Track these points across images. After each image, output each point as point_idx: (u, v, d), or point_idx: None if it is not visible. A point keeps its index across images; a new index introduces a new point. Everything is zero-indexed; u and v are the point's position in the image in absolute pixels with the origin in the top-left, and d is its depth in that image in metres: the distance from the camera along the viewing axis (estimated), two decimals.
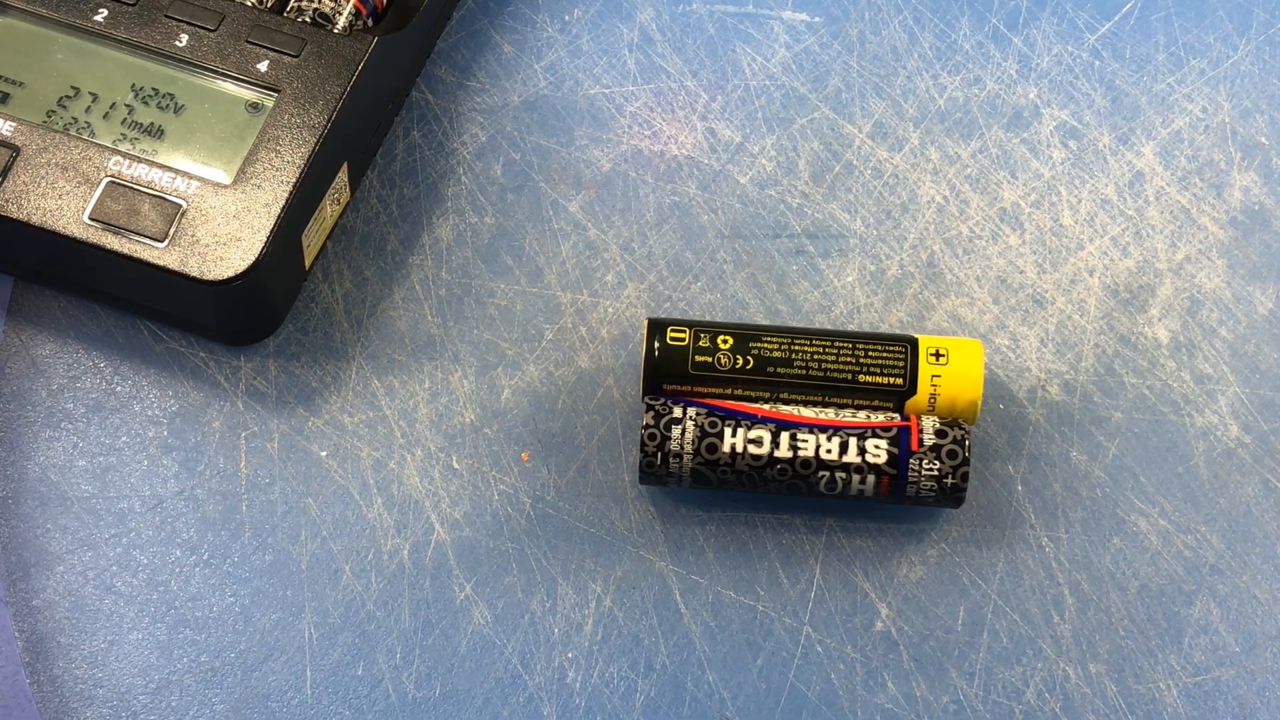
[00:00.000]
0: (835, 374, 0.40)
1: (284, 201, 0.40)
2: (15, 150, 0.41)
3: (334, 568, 0.41)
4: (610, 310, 0.44)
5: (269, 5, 0.44)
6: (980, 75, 0.48)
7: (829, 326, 0.44)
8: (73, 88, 0.42)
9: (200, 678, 0.40)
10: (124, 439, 0.42)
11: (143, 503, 0.41)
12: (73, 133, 0.41)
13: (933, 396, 0.40)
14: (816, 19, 0.49)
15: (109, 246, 0.40)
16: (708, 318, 0.44)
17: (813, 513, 0.41)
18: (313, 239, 0.43)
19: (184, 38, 0.42)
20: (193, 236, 0.40)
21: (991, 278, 0.45)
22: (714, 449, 0.39)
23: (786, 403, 0.41)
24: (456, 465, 0.42)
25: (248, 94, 0.42)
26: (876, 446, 0.39)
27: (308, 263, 0.43)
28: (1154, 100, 0.48)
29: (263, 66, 0.42)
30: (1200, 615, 0.41)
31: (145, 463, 0.42)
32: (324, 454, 0.42)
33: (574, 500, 0.42)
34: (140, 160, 0.41)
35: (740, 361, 0.40)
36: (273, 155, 0.41)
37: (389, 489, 0.42)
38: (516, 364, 0.43)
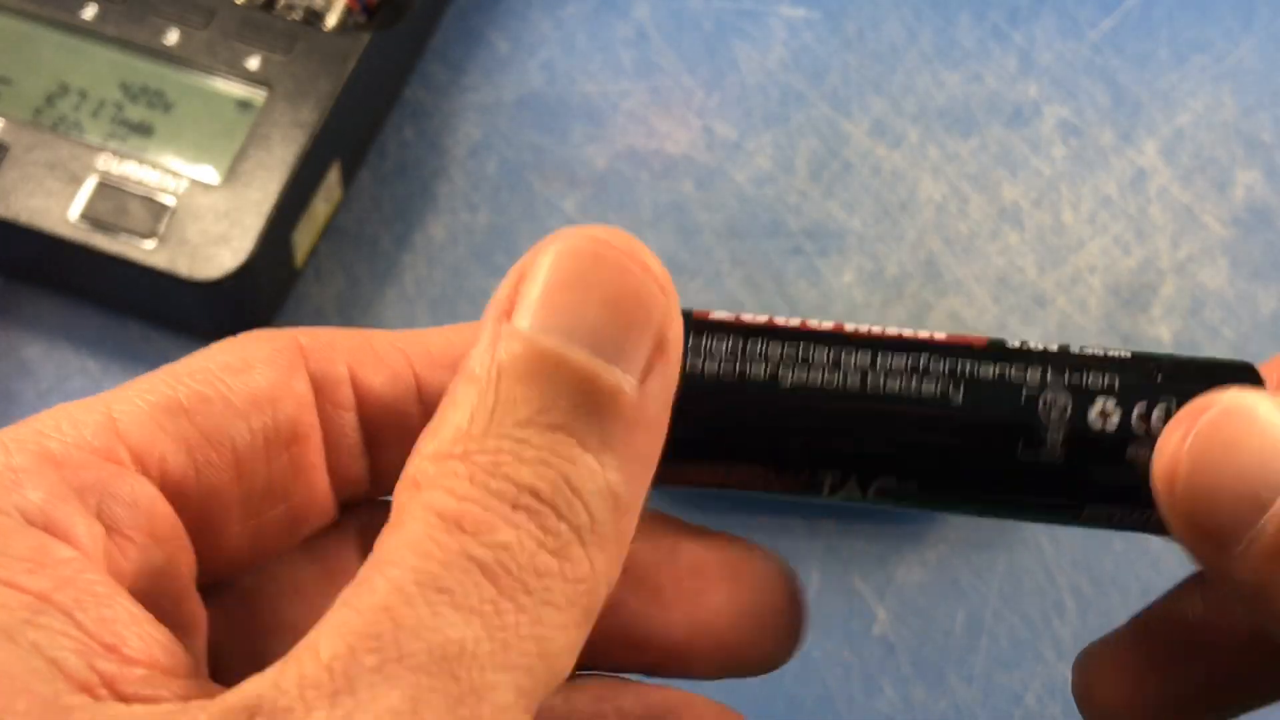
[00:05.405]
0: None
1: (275, 200, 0.40)
2: (3, 148, 0.40)
3: None
4: None
5: (260, 2, 0.43)
6: (980, 72, 0.47)
7: None
8: (61, 85, 0.41)
9: None
10: None
11: None
12: (61, 130, 0.41)
13: None
14: (815, 15, 0.48)
15: (97, 246, 0.39)
16: None
17: (811, 515, 0.41)
18: (304, 238, 0.42)
19: (173, 34, 0.42)
20: (182, 235, 0.39)
21: (991, 277, 0.44)
22: None
23: None
24: None
25: (238, 91, 0.42)
26: None
27: (299, 262, 0.43)
28: (1156, 97, 0.47)
29: (253, 64, 0.42)
30: None
31: None
32: None
33: None
34: (129, 158, 0.40)
35: None
36: (263, 153, 0.40)
37: None
38: None
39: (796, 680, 0.39)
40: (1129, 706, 0.24)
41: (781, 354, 0.21)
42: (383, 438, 0.22)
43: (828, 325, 0.22)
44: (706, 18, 0.48)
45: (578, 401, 0.18)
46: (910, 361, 0.22)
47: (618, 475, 0.19)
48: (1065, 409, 0.22)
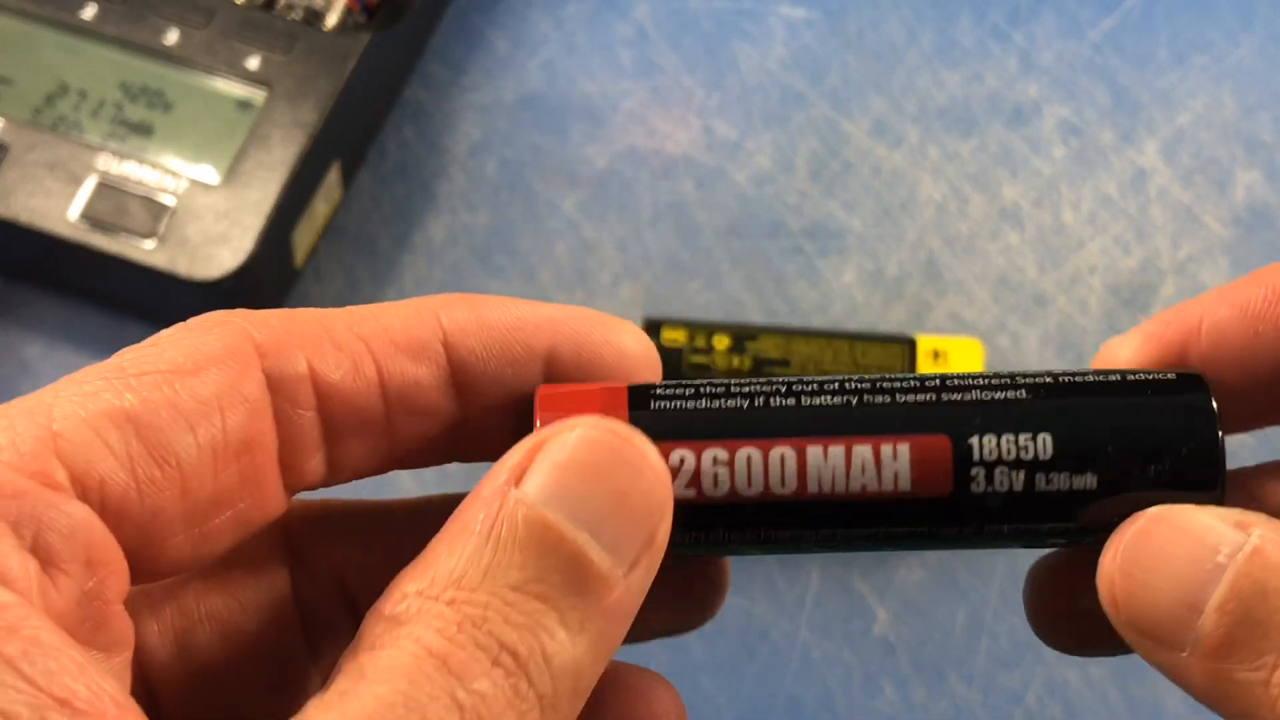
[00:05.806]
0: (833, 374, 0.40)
1: (274, 200, 0.40)
2: (3, 148, 0.40)
3: None
4: (605, 309, 0.43)
5: (260, 2, 0.43)
6: (980, 71, 0.47)
7: (827, 326, 0.43)
8: (61, 85, 0.41)
9: None
10: None
11: None
12: (61, 130, 0.41)
13: None
14: (815, 15, 0.48)
15: (97, 246, 0.39)
16: (704, 317, 0.44)
17: None
18: (304, 238, 0.42)
19: (173, 34, 0.42)
20: (182, 235, 0.39)
21: (991, 277, 0.44)
22: None
23: None
24: (451, 468, 0.42)
25: (238, 91, 0.41)
26: None
27: (299, 262, 0.43)
28: (1156, 97, 0.47)
29: (253, 63, 0.42)
30: None
31: None
32: None
33: None
34: (129, 158, 0.40)
35: (737, 362, 0.40)
36: (263, 153, 0.40)
37: (383, 493, 0.41)
38: None
39: (796, 680, 0.39)
40: (1061, 619, 0.25)
41: (744, 539, 0.23)
42: (343, 431, 0.22)
43: (789, 485, 0.22)
44: (706, 18, 0.48)
45: (568, 578, 0.19)
46: (867, 532, 0.22)
47: (586, 657, 0.19)
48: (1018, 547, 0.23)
